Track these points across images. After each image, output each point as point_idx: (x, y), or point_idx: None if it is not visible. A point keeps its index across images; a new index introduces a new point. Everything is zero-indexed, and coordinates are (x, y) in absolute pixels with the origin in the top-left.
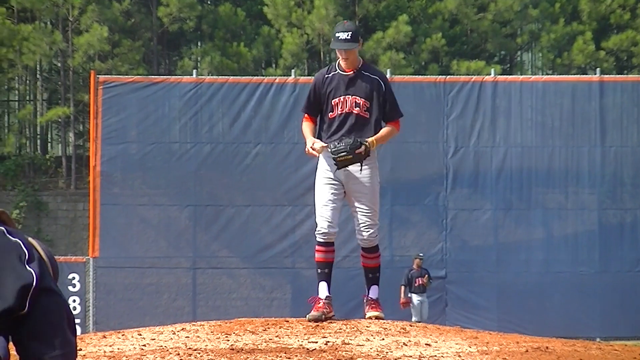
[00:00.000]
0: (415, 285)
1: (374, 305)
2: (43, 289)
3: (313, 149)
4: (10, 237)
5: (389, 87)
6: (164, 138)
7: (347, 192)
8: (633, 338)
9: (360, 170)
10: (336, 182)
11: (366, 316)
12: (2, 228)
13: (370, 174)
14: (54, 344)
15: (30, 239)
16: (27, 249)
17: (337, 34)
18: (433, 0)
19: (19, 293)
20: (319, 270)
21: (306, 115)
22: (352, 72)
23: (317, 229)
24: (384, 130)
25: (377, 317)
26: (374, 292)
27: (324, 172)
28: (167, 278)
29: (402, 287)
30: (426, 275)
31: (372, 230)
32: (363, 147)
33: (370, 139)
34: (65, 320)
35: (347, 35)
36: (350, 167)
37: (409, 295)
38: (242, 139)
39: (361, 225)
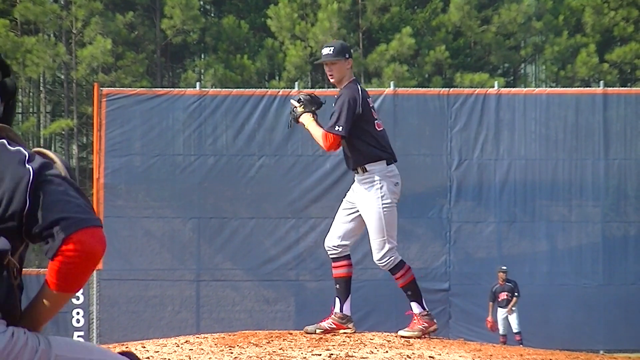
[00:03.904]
0: (499, 299)
1: (408, 323)
2: (43, 181)
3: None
4: (10, 147)
5: (342, 98)
6: (167, 150)
7: None
8: (637, 351)
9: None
10: (350, 201)
11: (397, 333)
12: (3, 141)
13: (369, 198)
14: (66, 209)
15: (42, 149)
16: (27, 152)
17: (322, 50)
18: (437, 13)
19: (14, 192)
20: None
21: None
22: (339, 89)
23: None
24: (317, 128)
25: (404, 337)
26: (413, 307)
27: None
28: (170, 290)
29: (490, 304)
30: (510, 292)
31: (380, 256)
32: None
33: (305, 118)
34: (76, 191)
35: (330, 50)
36: (355, 191)
37: (496, 312)
38: (246, 151)
39: (372, 251)
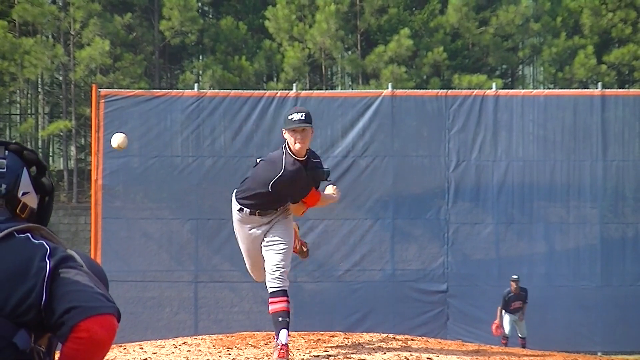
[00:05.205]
0: (511, 308)
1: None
2: (60, 273)
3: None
4: (33, 240)
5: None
6: (165, 152)
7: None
8: (634, 352)
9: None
10: (260, 236)
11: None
12: (27, 234)
13: (289, 226)
14: (78, 298)
15: (70, 250)
16: (49, 246)
17: (292, 115)
18: (435, 14)
19: (34, 286)
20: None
21: None
22: (304, 158)
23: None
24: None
25: None
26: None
27: None
28: (168, 291)
29: (499, 309)
30: (521, 301)
31: (276, 275)
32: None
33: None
34: (92, 282)
35: (302, 116)
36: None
37: (503, 316)
38: (244, 153)
39: (272, 269)
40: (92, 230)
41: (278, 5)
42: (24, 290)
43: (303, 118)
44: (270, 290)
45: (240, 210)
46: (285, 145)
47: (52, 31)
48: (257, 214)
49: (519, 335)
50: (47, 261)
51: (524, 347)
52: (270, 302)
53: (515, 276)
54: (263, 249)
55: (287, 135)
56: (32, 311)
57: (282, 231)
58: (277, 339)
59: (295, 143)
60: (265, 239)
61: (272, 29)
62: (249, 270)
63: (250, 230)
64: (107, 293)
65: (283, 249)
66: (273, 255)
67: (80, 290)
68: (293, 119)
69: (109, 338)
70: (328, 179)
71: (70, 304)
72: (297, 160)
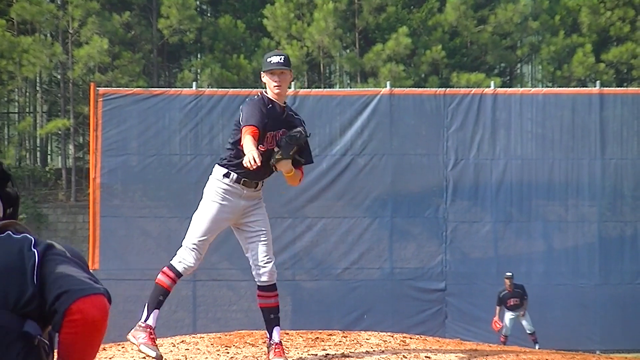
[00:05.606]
0: (508, 305)
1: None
2: (46, 262)
3: (255, 161)
4: (15, 235)
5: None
6: (164, 150)
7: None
8: (633, 351)
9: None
10: (246, 221)
11: None
12: (8, 232)
13: (263, 209)
14: (66, 283)
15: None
16: (33, 237)
17: (271, 58)
18: (433, 13)
19: (26, 276)
20: None
21: (255, 127)
22: (284, 105)
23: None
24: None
25: None
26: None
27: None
28: None
29: (497, 308)
30: (519, 298)
31: (272, 265)
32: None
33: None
34: (78, 268)
35: (281, 59)
36: (247, 205)
37: (503, 314)
38: None
39: (265, 260)
40: (90, 229)
41: (276, 4)
42: (21, 283)
43: (282, 61)
44: (260, 284)
45: (227, 175)
46: (263, 91)
47: (51, 30)
48: (241, 183)
49: (527, 331)
50: (35, 250)
51: (535, 342)
52: (260, 296)
53: (509, 273)
54: (246, 240)
55: (265, 79)
56: (33, 302)
57: (263, 221)
58: (270, 338)
59: (274, 87)
60: (246, 229)
61: (270, 27)
62: (193, 245)
63: (227, 205)
64: (94, 276)
65: (268, 240)
66: (260, 247)
67: (68, 276)
68: (272, 62)
69: (102, 318)
70: (308, 135)
71: (60, 290)
72: (273, 102)
